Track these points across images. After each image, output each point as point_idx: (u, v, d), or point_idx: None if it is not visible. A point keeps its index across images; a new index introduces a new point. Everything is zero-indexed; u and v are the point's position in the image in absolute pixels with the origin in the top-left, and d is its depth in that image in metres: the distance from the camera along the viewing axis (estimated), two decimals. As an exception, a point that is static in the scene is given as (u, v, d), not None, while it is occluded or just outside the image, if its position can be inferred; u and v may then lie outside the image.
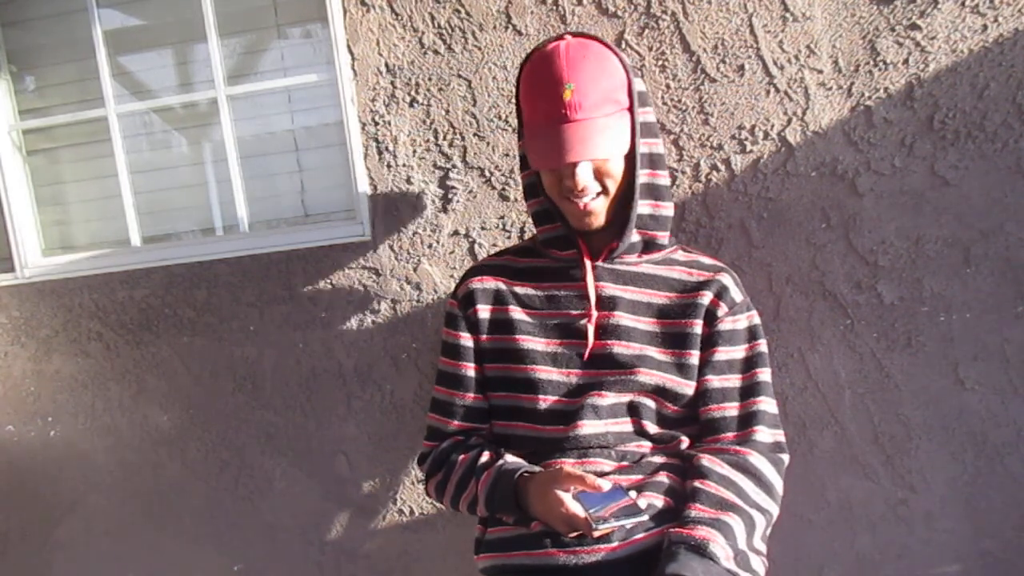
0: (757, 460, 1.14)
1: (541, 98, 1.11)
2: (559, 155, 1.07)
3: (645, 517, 1.02)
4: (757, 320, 1.22)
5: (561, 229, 1.20)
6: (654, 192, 1.18)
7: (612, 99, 1.10)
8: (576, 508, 1.02)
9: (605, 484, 1.02)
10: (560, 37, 1.13)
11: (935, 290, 1.46)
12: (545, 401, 1.17)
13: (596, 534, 1.02)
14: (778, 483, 1.16)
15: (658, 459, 1.17)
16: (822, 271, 1.49)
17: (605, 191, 1.13)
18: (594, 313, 1.16)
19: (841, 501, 1.55)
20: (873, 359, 1.50)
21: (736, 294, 1.20)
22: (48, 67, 1.79)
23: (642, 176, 1.16)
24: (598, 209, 1.14)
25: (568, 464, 1.13)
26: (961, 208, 1.44)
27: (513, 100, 1.52)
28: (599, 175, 1.12)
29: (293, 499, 1.74)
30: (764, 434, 1.16)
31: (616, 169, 1.12)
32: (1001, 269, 1.44)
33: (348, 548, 1.74)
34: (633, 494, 1.07)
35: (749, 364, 1.19)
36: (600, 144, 1.07)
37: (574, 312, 1.19)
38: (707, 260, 1.24)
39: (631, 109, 1.13)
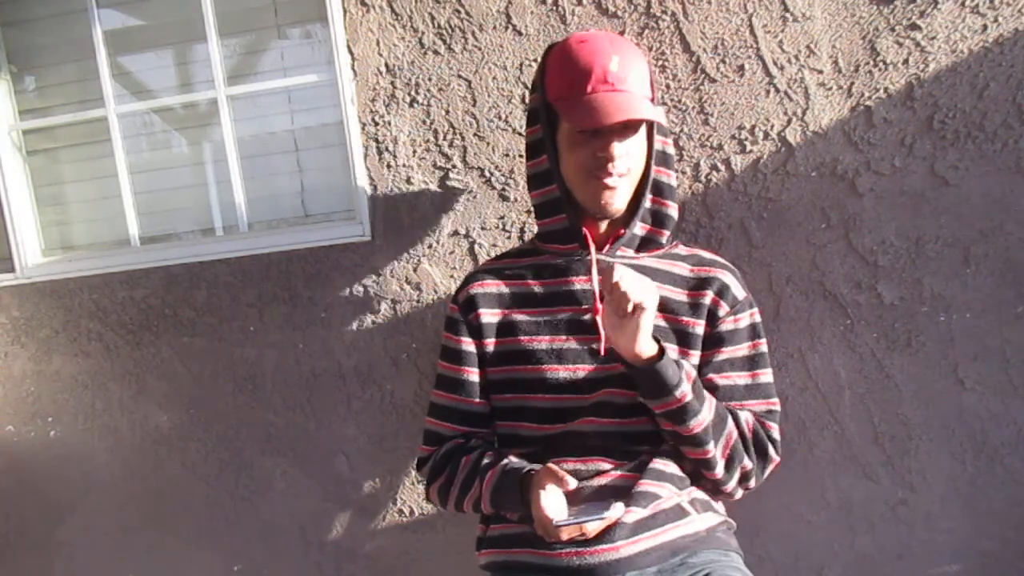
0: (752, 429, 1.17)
1: (582, 68, 1.13)
2: (607, 115, 1.09)
3: (604, 515, 1.01)
4: (759, 318, 1.22)
5: (566, 221, 1.21)
6: (658, 189, 1.21)
7: (646, 82, 1.16)
8: (549, 511, 1.02)
9: (572, 482, 1.03)
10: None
11: (935, 290, 1.46)
12: (551, 399, 1.17)
13: (562, 536, 1.03)
14: (758, 460, 1.17)
15: (658, 458, 1.17)
16: (822, 271, 1.49)
17: (628, 174, 1.16)
18: (600, 306, 1.16)
19: (841, 501, 1.54)
20: (873, 359, 1.50)
21: (738, 291, 1.20)
22: (48, 67, 1.79)
23: (652, 171, 1.20)
24: (621, 190, 1.16)
25: (567, 468, 1.13)
26: (961, 208, 1.44)
27: (512, 100, 1.53)
28: (627, 156, 1.15)
29: (293, 499, 1.74)
30: (770, 428, 1.18)
31: (640, 153, 1.17)
32: (1001, 269, 1.44)
33: (348, 548, 1.74)
34: (620, 505, 1.05)
35: (752, 363, 1.19)
36: (645, 111, 1.11)
37: (578, 307, 1.19)
38: (707, 255, 1.25)
39: (652, 101, 1.18)
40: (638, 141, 1.16)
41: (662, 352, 1.06)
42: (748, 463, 1.16)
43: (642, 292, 1.01)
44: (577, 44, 1.16)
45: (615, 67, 1.11)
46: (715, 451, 1.11)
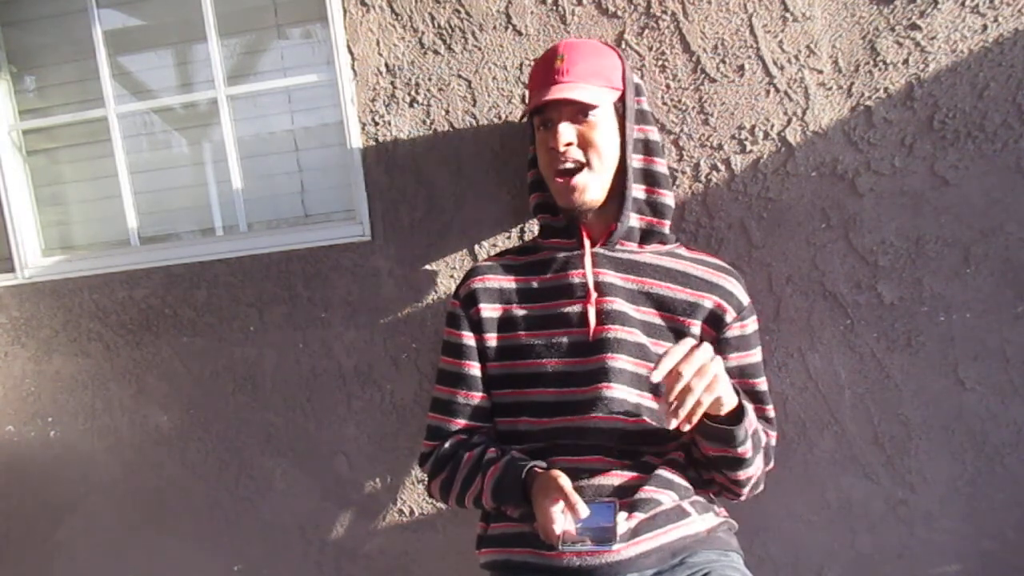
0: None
1: (538, 73, 1.20)
2: (542, 96, 1.14)
3: (612, 548, 1.04)
4: (757, 324, 1.23)
5: (564, 219, 1.22)
6: (649, 178, 1.21)
7: (602, 75, 1.17)
8: (555, 522, 1.02)
9: (584, 511, 1.00)
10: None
11: (935, 290, 1.46)
12: (550, 394, 1.18)
13: (561, 550, 1.04)
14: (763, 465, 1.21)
15: (659, 459, 1.17)
16: (822, 271, 1.49)
17: (589, 165, 1.16)
18: (593, 295, 1.17)
19: (841, 501, 1.55)
20: (873, 359, 1.50)
21: (743, 297, 1.21)
22: (48, 67, 1.79)
23: (636, 161, 1.20)
24: (582, 184, 1.17)
25: (567, 467, 1.14)
26: (961, 208, 1.44)
27: (512, 100, 1.53)
28: (582, 143, 1.16)
29: (293, 499, 1.74)
30: (770, 438, 1.23)
31: (600, 139, 1.16)
32: (1001, 269, 1.44)
33: (348, 548, 1.74)
34: (623, 515, 1.07)
35: (758, 370, 1.21)
36: (582, 92, 1.13)
37: (574, 300, 1.19)
38: (712, 259, 1.25)
39: (623, 94, 1.19)
40: (595, 129, 1.16)
41: (740, 410, 1.04)
42: (762, 485, 1.22)
43: (701, 371, 0.95)
44: (540, 57, 1.23)
45: (559, 63, 1.16)
46: (749, 489, 1.18)
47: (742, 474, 1.12)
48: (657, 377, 0.95)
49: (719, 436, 1.06)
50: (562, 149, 1.14)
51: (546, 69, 1.18)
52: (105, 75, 1.72)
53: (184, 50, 1.75)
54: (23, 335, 1.79)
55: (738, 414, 1.04)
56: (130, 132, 1.77)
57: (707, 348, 0.97)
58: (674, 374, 0.95)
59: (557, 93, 1.12)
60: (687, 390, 0.94)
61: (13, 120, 1.80)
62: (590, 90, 1.14)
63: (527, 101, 1.25)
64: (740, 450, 1.07)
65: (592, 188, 1.17)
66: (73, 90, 1.78)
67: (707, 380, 0.95)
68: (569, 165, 1.16)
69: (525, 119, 1.30)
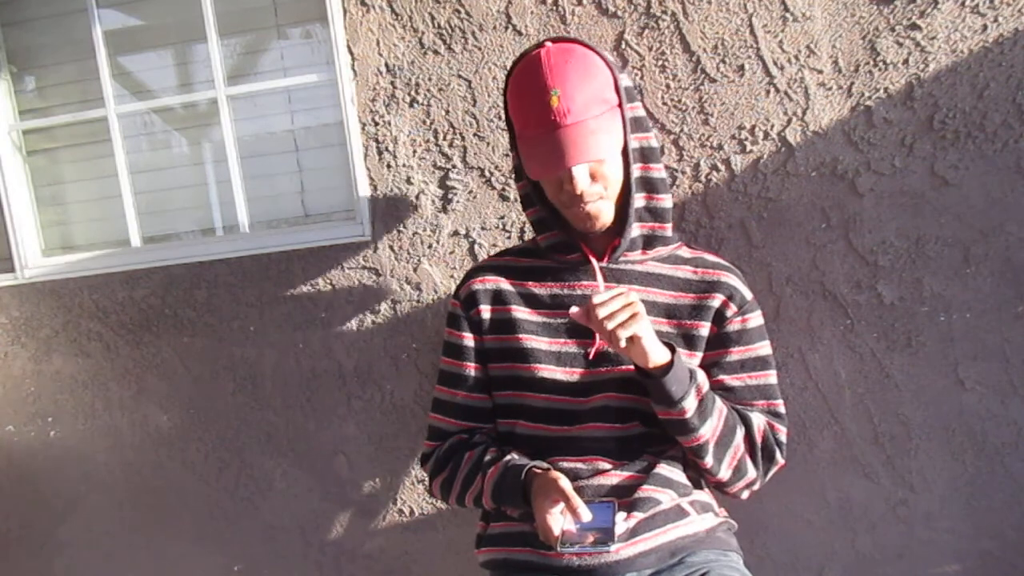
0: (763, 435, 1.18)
1: (530, 108, 1.10)
2: (556, 162, 1.06)
3: (611, 549, 1.03)
4: (762, 319, 1.22)
5: (561, 236, 1.20)
6: (648, 185, 1.18)
7: (600, 99, 1.10)
8: (554, 523, 1.02)
9: (586, 513, 1.00)
10: (540, 45, 1.11)
11: (935, 290, 1.47)
12: (549, 400, 1.17)
13: (560, 551, 1.03)
14: (765, 465, 1.18)
15: (664, 463, 1.17)
16: (822, 271, 1.49)
17: (606, 191, 1.13)
18: None
19: (841, 501, 1.55)
20: (873, 359, 1.50)
21: (745, 292, 1.20)
22: (48, 67, 1.79)
23: (635, 170, 1.16)
24: (599, 212, 1.14)
25: (566, 467, 1.14)
26: (961, 208, 1.44)
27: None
28: (596, 178, 1.11)
29: (293, 499, 1.74)
30: (779, 432, 1.19)
31: (612, 171, 1.12)
32: (1001, 269, 1.44)
33: (348, 548, 1.74)
34: (622, 515, 1.07)
35: (764, 364, 1.20)
36: (595, 146, 1.07)
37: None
38: (711, 257, 1.24)
39: (620, 106, 1.12)
40: (605, 163, 1.11)
41: (672, 363, 1.05)
42: (753, 473, 1.17)
43: (617, 311, 1.00)
44: (523, 77, 1.11)
45: (556, 103, 1.06)
46: (714, 462, 1.13)
47: (694, 439, 1.09)
48: (573, 310, 1.03)
49: (656, 393, 1.06)
50: (579, 191, 1.10)
51: (540, 107, 1.07)
52: (105, 75, 1.72)
53: (184, 50, 1.75)
54: (23, 335, 1.79)
55: (667, 367, 1.04)
56: (130, 132, 1.77)
57: (627, 294, 1.03)
58: (591, 311, 1.01)
59: (576, 159, 1.05)
60: (607, 319, 1.01)
61: (13, 120, 1.80)
62: (600, 134, 1.08)
63: (514, 130, 1.17)
64: (678, 409, 1.06)
65: (606, 212, 1.15)
66: (73, 90, 1.78)
67: (626, 313, 1.00)
68: (589, 202, 1.12)
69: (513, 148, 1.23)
